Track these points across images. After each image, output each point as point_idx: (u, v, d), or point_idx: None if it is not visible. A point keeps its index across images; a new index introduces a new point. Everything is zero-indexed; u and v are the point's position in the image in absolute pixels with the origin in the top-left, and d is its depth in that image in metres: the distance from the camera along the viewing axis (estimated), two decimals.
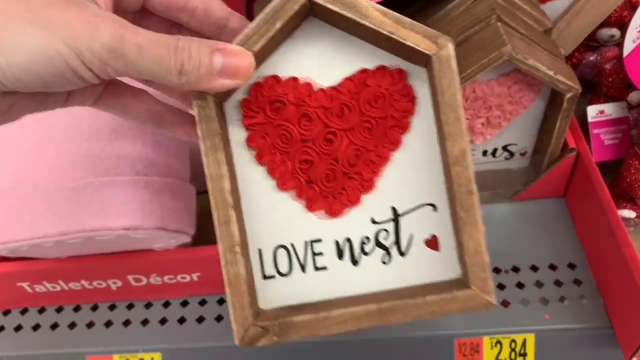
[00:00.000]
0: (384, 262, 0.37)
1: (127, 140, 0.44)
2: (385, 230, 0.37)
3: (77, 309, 0.63)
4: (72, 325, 0.61)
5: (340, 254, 0.37)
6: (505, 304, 0.57)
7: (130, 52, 0.28)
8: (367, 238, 0.37)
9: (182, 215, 0.46)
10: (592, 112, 0.62)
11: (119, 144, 0.44)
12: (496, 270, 0.59)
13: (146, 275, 0.57)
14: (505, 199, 0.65)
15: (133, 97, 0.35)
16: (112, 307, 0.62)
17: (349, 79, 0.36)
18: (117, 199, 0.43)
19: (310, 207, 0.37)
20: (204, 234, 0.57)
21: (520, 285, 0.58)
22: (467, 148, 0.34)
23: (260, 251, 0.37)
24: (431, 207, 0.37)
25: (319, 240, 0.37)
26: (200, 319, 0.59)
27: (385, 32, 0.33)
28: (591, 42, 0.70)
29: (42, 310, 0.63)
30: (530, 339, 0.55)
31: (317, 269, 0.37)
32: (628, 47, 0.59)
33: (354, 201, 0.37)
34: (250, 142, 0.36)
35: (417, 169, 0.37)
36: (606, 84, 0.63)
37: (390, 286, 0.37)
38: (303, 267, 0.37)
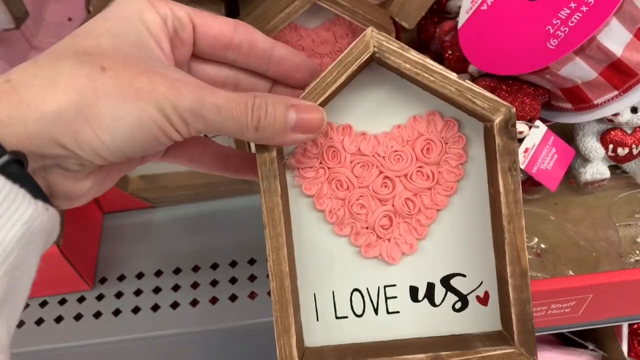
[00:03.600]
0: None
1: None
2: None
3: None
4: None
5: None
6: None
7: (210, 113, 0.29)
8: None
9: None
10: None
11: None
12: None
13: None
14: None
15: (197, 145, 0.36)
16: None
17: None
18: None
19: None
20: None
21: None
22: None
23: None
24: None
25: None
26: (40, 321, 0.57)
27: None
28: (446, 15, 0.70)
29: None
30: None
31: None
32: (462, 18, 0.59)
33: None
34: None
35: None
36: (447, 57, 0.62)
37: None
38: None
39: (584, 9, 0.48)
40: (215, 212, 0.63)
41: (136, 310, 0.56)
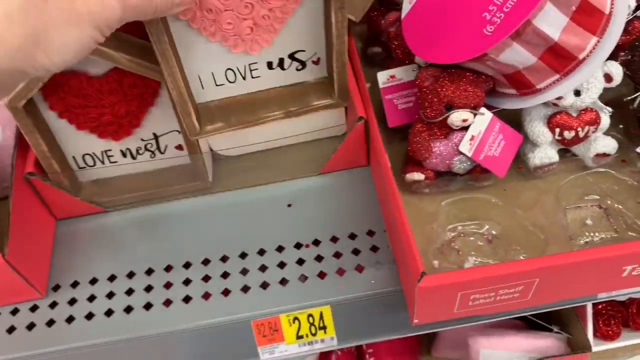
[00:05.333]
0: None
1: None
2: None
3: None
4: None
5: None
6: (302, 279, 0.56)
7: (130, 16, 0.38)
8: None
9: None
10: (383, 77, 0.61)
11: None
12: (297, 246, 0.59)
13: None
14: (313, 173, 0.65)
15: None
16: None
17: None
18: None
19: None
20: None
21: (319, 259, 0.58)
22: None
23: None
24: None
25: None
26: (11, 329, 0.56)
27: None
28: (395, 6, 0.70)
29: None
30: (327, 311, 0.55)
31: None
32: (405, 8, 0.59)
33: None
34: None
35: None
36: (394, 47, 0.62)
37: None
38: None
39: None
40: (169, 213, 0.63)
41: (90, 316, 0.56)
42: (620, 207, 0.57)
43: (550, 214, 0.57)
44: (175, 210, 0.63)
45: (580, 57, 0.52)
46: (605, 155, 0.58)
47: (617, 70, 0.55)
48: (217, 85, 0.57)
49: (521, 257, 0.55)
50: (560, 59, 0.52)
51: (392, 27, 0.62)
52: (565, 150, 0.60)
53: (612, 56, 0.58)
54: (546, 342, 0.76)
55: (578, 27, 0.50)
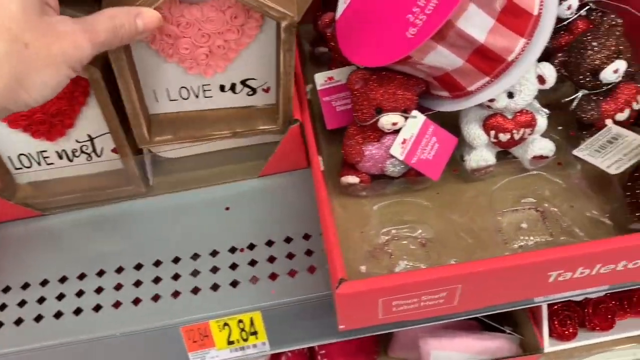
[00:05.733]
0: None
1: None
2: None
3: None
4: None
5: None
6: (234, 284, 0.56)
7: (98, 50, 0.42)
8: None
9: None
10: (321, 79, 0.60)
11: None
12: (232, 250, 0.58)
13: None
14: (253, 175, 0.64)
15: None
16: None
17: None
18: None
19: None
20: None
21: (253, 263, 0.57)
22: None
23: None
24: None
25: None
26: None
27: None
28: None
29: None
30: (257, 316, 0.55)
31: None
32: (340, 9, 0.58)
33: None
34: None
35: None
36: (332, 48, 0.62)
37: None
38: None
39: None
40: (106, 217, 0.62)
41: (19, 322, 0.55)
42: (556, 209, 0.56)
43: (485, 218, 0.56)
44: (112, 213, 0.62)
45: (509, 59, 0.51)
46: (542, 157, 0.57)
47: (549, 72, 0.54)
48: (170, 100, 0.59)
49: (453, 262, 0.54)
50: (488, 61, 0.51)
51: (328, 28, 0.61)
52: (506, 152, 0.60)
53: (551, 57, 0.58)
54: (497, 343, 0.75)
55: (505, 28, 0.50)
